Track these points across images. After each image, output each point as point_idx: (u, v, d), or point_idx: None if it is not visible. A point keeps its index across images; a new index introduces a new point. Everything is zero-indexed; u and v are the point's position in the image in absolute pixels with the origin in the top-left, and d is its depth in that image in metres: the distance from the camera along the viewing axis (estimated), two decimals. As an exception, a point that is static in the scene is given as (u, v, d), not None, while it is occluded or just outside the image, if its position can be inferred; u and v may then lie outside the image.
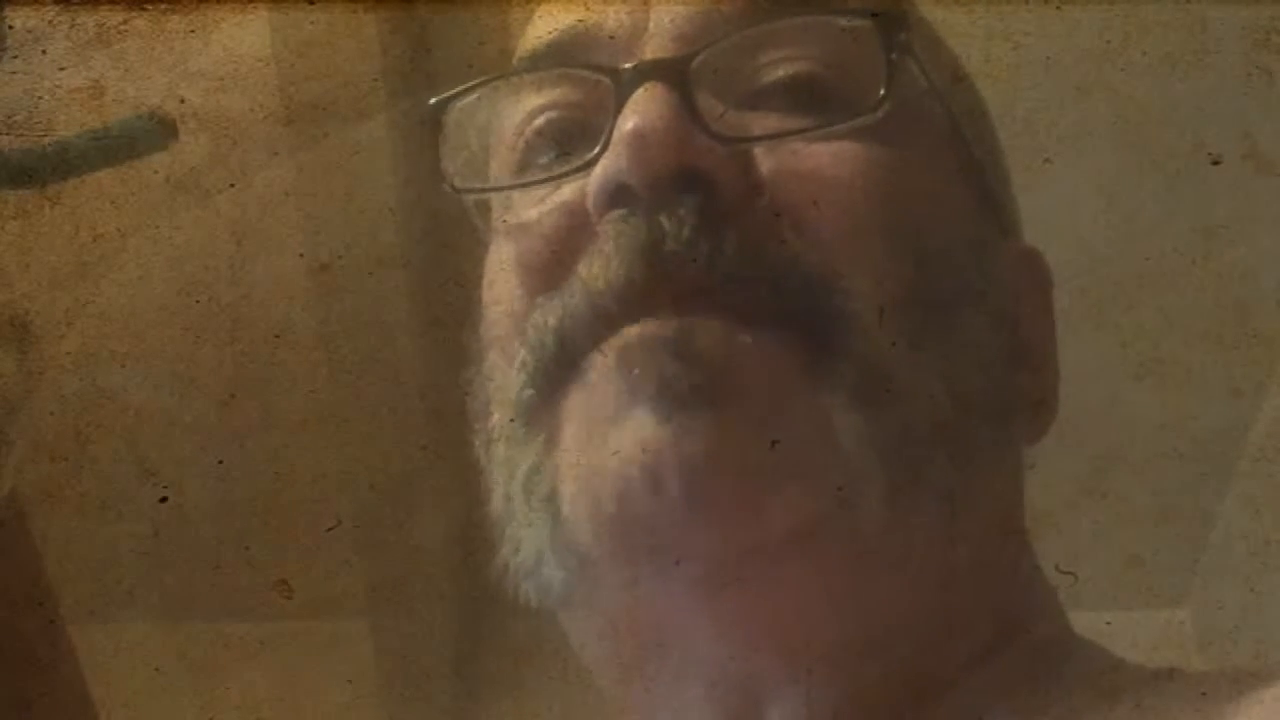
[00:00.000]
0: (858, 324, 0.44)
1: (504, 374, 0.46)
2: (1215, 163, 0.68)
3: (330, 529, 0.75)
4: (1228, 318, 0.82)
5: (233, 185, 0.71)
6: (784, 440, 0.42)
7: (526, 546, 0.45)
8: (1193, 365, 0.82)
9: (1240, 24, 0.70)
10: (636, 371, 0.42)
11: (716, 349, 0.42)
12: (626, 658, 0.46)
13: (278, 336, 0.77)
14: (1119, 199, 0.81)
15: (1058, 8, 0.66)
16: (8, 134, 0.59)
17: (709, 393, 0.42)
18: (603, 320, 0.44)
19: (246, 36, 0.71)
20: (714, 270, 0.43)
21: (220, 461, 0.78)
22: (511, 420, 0.46)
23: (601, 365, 0.43)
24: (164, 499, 0.70)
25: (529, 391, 0.45)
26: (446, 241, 0.71)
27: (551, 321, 0.45)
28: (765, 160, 0.45)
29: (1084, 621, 0.50)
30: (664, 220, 0.43)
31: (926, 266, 0.46)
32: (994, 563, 0.48)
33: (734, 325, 0.43)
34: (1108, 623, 0.53)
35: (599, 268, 0.44)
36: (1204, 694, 0.43)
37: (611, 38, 0.48)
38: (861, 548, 0.43)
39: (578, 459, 0.44)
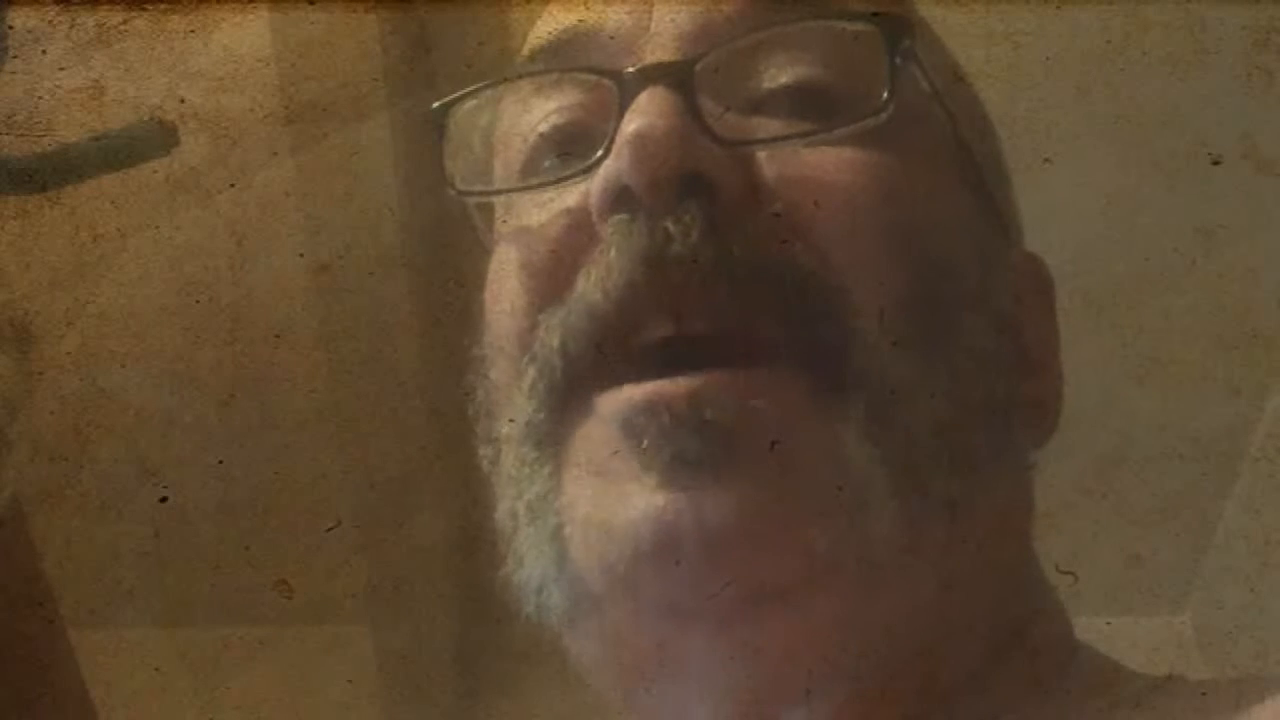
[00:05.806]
0: (860, 339, 0.43)
1: (510, 386, 0.46)
2: (1215, 163, 0.68)
3: (330, 529, 0.75)
4: (1228, 318, 0.82)
5: (233, 185, 0.71)
6: (798, 481, 0.42)
7: (529, 569, 0.45)
8: (1193, 365, 0.82)
9: (1240, 24, 0.70)
10: (646, 443, 0.42)
11: (727, 413, 0.42)
12: (629, 679, 0.46)
13: (278, 336, 0.77)
14: (1119, 199, 0.81)
15: (1058, 8, 0.66)
16: (8, 134, 0.59)
17: (722, 459, 0.42)
18: (603, 331, 0.43)
19: (246, 36, 0.71)
20: (717, 277, 0.43)
21: (220, 461, 0.78)
22: (521, 440, 0.45)
23: (607, 428, 0.43)
24: (164, 499, 0.70)
25: (540, 414, 0.45)
26: (447, 242, 0.71)
27: (555, 342, 0.44)
28: (767, 165, 0.45)
29: (1084, 625, 0.49)
30: (669, 225, 0.43)
31: (927, 270, 0.46)
32: (998, 569, 0.47)
33: (741, 374, 0.43)
34: (1108, 623, 0.53)
35: (598, 276, 0.44)
36: (1204, 694, 0.43)
37: (611, 38, 0.48)
38: (872, 571, 0.43)
39: (585, 513, 0.44)
